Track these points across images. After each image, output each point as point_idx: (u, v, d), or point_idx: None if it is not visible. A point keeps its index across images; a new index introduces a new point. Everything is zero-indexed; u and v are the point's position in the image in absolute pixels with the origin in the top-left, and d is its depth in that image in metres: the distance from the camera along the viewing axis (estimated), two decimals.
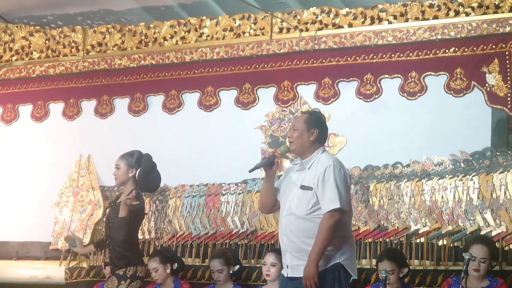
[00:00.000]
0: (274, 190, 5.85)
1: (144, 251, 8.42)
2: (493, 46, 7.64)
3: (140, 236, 8.42)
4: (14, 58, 10.06)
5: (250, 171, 5.69)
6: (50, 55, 9.82)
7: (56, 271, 8.67)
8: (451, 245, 7.26)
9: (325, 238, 5.40)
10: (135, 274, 6.63)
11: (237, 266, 7.34)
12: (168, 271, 7.40)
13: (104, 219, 6.78)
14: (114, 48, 9.45)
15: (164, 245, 8.34)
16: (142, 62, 9.22)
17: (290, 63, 8.45)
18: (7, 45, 10.12)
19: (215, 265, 7.25)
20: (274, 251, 7.07)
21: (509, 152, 7.35)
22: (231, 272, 7.27)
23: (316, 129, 5.70)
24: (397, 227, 7.45)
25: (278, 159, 5.78)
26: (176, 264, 7.49)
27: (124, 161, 6.84)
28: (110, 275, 6.75)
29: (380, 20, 8.16)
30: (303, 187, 5.56)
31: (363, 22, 8.22)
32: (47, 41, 9.85)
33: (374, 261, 7.21)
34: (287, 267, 5.60)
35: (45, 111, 9.71)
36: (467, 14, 7.81)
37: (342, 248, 5.52)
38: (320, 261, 5.41)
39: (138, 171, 6.89)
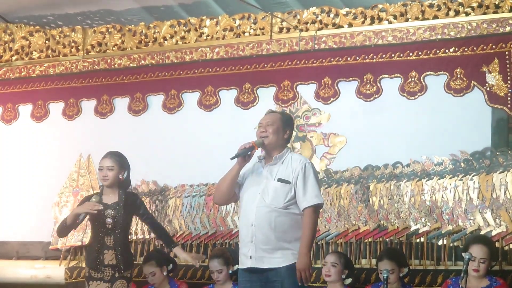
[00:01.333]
0: (236, 181, 5.93)
1: (144, 251, 8.43)
2: (493, 46, 7.63)
3: (140, 236, 8.46)
4: (14, 58, 10.07)
5: (232, 158, 5.74)
6: (50, 55, 9.82)
7: (56, 271, 8.68)
8: (451, 244, 7.26)
9: (313, 231, 5.64)
10: (133, 275, 6.68)
11: (236, 266, 7.31)
12: (165, 273, 7.41)
13: (106, 220, 6.65)
14: (114, 48, 9.45)
15: (158, 246, 8.34)
16: (142, 62, 9.22)
17: (290, 63, 8.45)
18: (7, 45, 10.12)
19: (214, 265, 7.25)
20: (335, 252, 7.11)
21: (509, 152, 7.35)
22: (230, 272, 7.27)
23: (289, 130, 5.96)
24: (397, 226, 7.45)
25: (254, 150, 5.83)
26: (171, 265, 7.51)
27: (116, 162, 6.78)
28: (110, 278, 6.66)
29: (380, 20, 8.15)
30: (280, 180, 5.67)
31: (363, 22, 8.22)
32: (47, 41, 9.85)
33: (374, 261, 7.22)
34: (250, 258, 5.63)
35: (45, 111, 9.71)
36: (467, 14, 7.80)
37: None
38: (292, 254, 5.56)
39: (126, 173, 6.85)
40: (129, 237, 7.01)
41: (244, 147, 5.75)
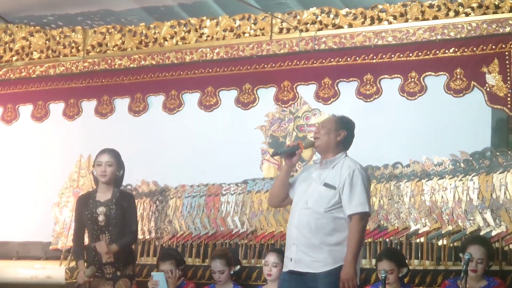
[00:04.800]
0: (288, 183, 5.89)
1: (144, 251, 8.43)
2: (493, 46, 7.64)
3: (140, 236, 8.45)
4: (14, 58, 10.07)
5: (272, 155, 5.77)
6: (51, 56, 9.82)
7: (56, 271, 8.67)
8: (451, 245, 7.25)
9: (360, 239, 5.53)
10: (136, 273, 6.67)
11: (238, 267, 7.35)
12: (181, 272, 7.42)
13: (98, 218, 6.63)
14: (114, 49, 9.46)
15: (164, 245, 8.35)
16: (143, 62, 9.23)
17: (290, 63, 8.45)
18: (7, 45, 10.13)
19: (216, 266, 7.25)
20: (275, 251, 7.09)
21: (509, 152, 7.35)
22: (231, 272, 7.28)
23: (344, 131, 5.81)
24: (397, 227, 7.45)
25: (300, 150, 5.81)
26: (184, 265, 7.52)
27: (115, 159, 6.78)
28: (111, 275, 6.67)
29: (380, 20, 8.16)
30: (326, 185, 5.62)
31: (363, 23, 8.22)
32: (47, 42, 9.86)
33: (373, 261, 7.21)
34: (291, 260, 5.60)
35: (46, 111, 9.72)
36: (467, 15, 7.81)
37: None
38: (332, 260, 5.50)
39: (122, 171, 6.84)
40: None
41: (288, 145, 5.71)
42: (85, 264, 6.83)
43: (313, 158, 5.99)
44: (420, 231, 7.37)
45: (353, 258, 5.43)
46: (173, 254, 7.57)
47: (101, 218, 6.62)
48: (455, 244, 7.21)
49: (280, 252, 6.79)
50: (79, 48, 9.63)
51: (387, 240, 7.50)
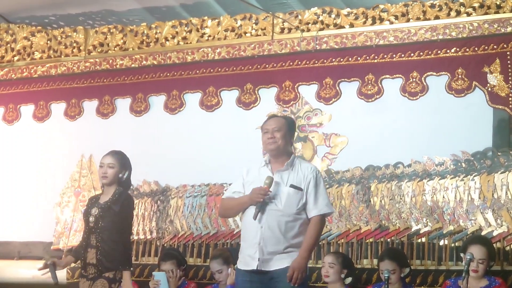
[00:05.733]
0: None
1: (145, 251, 8.43)
2: (495, 46, 7.65)
3: (141, 236, 8.45)
4: (16, 58, 10.09)
5: (255, 218, 5.66)
6: (52, 55, 9.84)
7: (57, 271, 8.66)
8: (452, 245, 7.24)
9: (317, 237, 5.82)
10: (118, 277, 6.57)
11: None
12: (182, 273, 7.40)
13: (89, 219, 6.59)
14: (115, 49, 9.47)
15: (166, 245, 8.35)
16: (144, 62, 9.23)
17: (291, 63, 8.46)
18: (9, 45, 10.15)
19: (214, 266, 7.24)
20: (333, 253, 7.10)
21: (511, 152, 7.35)
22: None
23: (293, 134, 6.06)
24: (399, 227, 7.45)
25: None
26: (185, 265, 7.51)
27: (118, 160, 6.72)
28: (93, 276, 6.59)
29: (382, 20, 8.16)
30: (293, 186, 5.71)
31: (364, 22, 8.23)
32: (48, 41, 9.87)
33: (375, 261, 7.21)
34: (258, 260, 5.63)
35: (47, 111, 9.73)
36: (468, 14, 7.81)
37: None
38: (290, 259, 5.61)
39: (126, 173, 6.78)
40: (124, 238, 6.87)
41: (263, 199, 5.63)
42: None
43: (265, 159, 5.91)
44: (421, 231, 7.37)
45: (308, 253, 5.69)
46: (174, 254, 7.56)
47: (91, 219, 6.53)
48: (456, 244, 7.21)
49: (338, 254, 6.98)
50: (81, 48, 9.65)
51: (389, 240, 7.49)
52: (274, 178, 5.72)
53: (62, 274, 8.52)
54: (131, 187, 7.22)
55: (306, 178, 5.74)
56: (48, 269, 6.75)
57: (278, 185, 5.73)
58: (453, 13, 7.86)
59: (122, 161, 6.70)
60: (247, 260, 5.73)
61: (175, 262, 7.36)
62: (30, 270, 8.84)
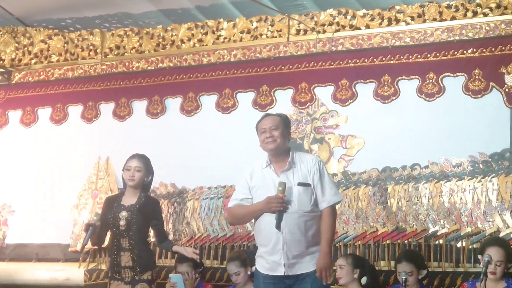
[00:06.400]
0: None
1: (162, 253, 8.45)
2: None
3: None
4: (33, 61, 10.13)
5: (278, 228, 5.62)
6: (69, 58, 9.88)
7: (75, 273, 8.74)
8: (470, 247, 7.23)
9: (333, 228, 5.77)
10: (155, 277, 6.69)
11: (254, 267, 7.30)
12: (197, 275, 7.41)
13: (119, 223, 6.66)
14: (132, 51, 9.49)
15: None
16: (160, 64, 9.25)
17: (307, 65, 8.45)
18: (26, 48, 10.19)
19: (231, 268, 7.24)
20: (344, 255, 7.13)
21: None
22: (249, 273, 7.24)
23: (289, 131, 5.98)
24: (416, 228, 7.43)
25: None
26: (202, 268, 7.51)
27: (144, 164, 6.80)
28: (130, 280, 6.67)
29: (398, 21, 8.14)
30: (301, 184, 5.65)
31: (380, 24, 8.20)
32: (65, 44, 9.91)
33: (392, 263, 7.20)
34: (284, 266, 5.59)
35: (64, 114, 9.76)
36: (485, 15, 7.78)
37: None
38: (314, 261, 5.59)
39: (150, 177, 6.87)
40: (148, 239, 7.00)
41: (278, 209, 5.57)
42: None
43: (266, 161, 5.86)
44: (439, 233, 7.35)
45: (330, 248, 5.63)
46: (186, 257, 7.59)
47: (122, 222, 6.65)
48: (474, 246, 7.20)
49: (348, 255, 7.03)
50: (97, 50, 9.68)
51: (406, 242, 7.48)
52: (280, 179, 5.67)
53: (79, 276, 8.60)
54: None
55: (311, 171, 5.69)
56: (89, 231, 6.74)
57: (287, 186, 5.66)
58: (469, 14, 7.82)
59: (147, 165, 6.83)
60: (273, 266, 5.67)
61: (191, 264, 7.37)
62: (48, 272, 8.94)
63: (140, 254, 6.60)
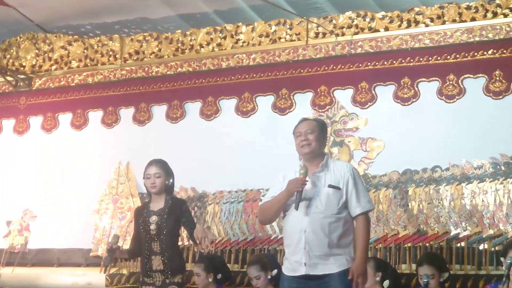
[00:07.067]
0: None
1: (195, 257, 8.44)
2: None
3: (179, 242, 8.47)
4: (53, 67, 10.19)
5: (297, 209, 5.63)
6: (89, 64, 9.92)
7: (96, 277, 8.75)
8: (492, 249, 7.17)
9: (369, 235, 5.76)
10: (185, 281, 6.72)
11: (275, 271, 7.27)
12: (210, 280, 7.36)
13: (150, 227, 6.71)
14: (151, 56, 9.52)
15: (203, 251, 8.34)
16: (179, 69, 9.27)
17: (326, 67, 8.44)
18: (46, 54, 10.26)
19: (251, 272, 7.22)
20: (370, 258, 7.07)
21: None
22: (269, 277, 7.23)
23: (326, 136, 6.00)
24: (437, 231, 7.39)
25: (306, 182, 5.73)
26: (220, 275, 7.46)
27: (163, 169, 6.85)
28: (160, 284, 6.69)
29: (417, 23, 8.11)
30: (331, 186, 5.66)
31: (399, 26, 8.18)
32: (85, 50, 9.96)
33: (413, 266, 7.16)
34: (305, 265, 5.58)
35: (84, 119, 9.81)
36: (505, 16, 7.73)
37: (352, 253, 5.69)
38: (346, 260, 5.58)
39: (171, 179, 6.90)
40: (178, 242, 7.00)
41: (298, 190, 5.60)
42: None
43: (299, 164, 5.85)
44: (460, 236, 7.31)
45: (365, 254, 5.62)
46: (204, 259, 7.58)
47: (152, 227, 6.69)
48: (496, 248, 7.14)
49: (369, 258, 6.86)
50: (117, 56, 9.72)
51: (427, 244, 7.44)
52: (310, 180, 5.69)
53: (100, 281, 8.62)
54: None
55: (344, 177, 5.70)
56: (107, 252, 6.83)
57: (316, 187, 5.69)
58: (489, 15, 7.78)
59: (166, 168, 6.87)
60: (295, 266, 5.67)
61: (202, 266, 7.37)
62: (70, 276, 8.97)
63: (171, 257, 6.64)
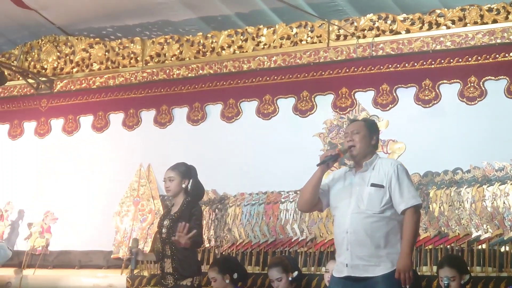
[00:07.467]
0: (319, 188, 5.90)
1: (204, 259, 8.46)
2: None
3: (206, 245, 8.48)
4: (75, 70, 10.25)
5: (318, 165, 5.69)
6: (110, 67, 9.97)
7: (118, 279, 8.78)
8: None
9: (415, 232, 5.61)
10: (200, 283, 6.71)
11: (296, 273, 7.27)
12: (227, 281, 7.37)
13: (162, 230, 6.78)
14: (172, 59, 9.55)
15: (224, 253, 8.36)
16: (200, 71, 9.30)
17: (347, 70, 8.44)
18: (68, 57, 10.31)
19: (273, 274, 7.22)
20: None
21: None
22: (290, 279, 7.23)
23: (376, 135, 5.91)
24: (458, 233, 7.36)
25: (339, 158, 5.83)
26: (236, 274, 7.47)
27: (177, 172, 6.87)
28: (171, 286, 6.74)
29: (438, 25, 8.10)
30: (374, 185, 5.62)
31: (420, 28, 8.17)
32: (106, 53, 10.01)
33: (435, 268, 7.14)
34: (346, 266, 5.57)
35: (106, 122, 9.85)
36: None
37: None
38: (390, 262, 5.49)
39: (190, 182, 6.91)
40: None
41: (329, 154, 5.72)
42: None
43: (349, 164, 5.91)
44: (481, 238, 7.27)
45: (410, 250, 5.49)
46: (217, 261, 7.60)
47: (164, 230, 6.75)
48: None
49: None
50: (138, 58, 9.75)
51: (448, 246, 7.41)
52: (356, 179, 5.71)
53: (121, 282, 8.65)
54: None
55: (387, 174, 5.64)
56: (131, 256, 6.92)
57: (360, 186, 5.68)
58: (511, 17, 7.76)
59: (181, 171, 6.88)
60: (340, 267, 5.67)
61: (216, 269, 7.38)
62: (91, 278, 9.00)
63: (180, 260, 6.65)
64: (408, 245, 5.48)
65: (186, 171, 6.92)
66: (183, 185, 6.84)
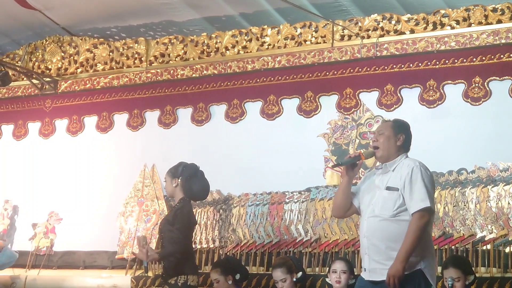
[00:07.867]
0: (350, 193, 5.81)
1: (208, 260, 8.46)
2: None
3: (204, 245, 8.50)
4: (79, 70, 10.25)
5: (333, 167, 5.70)
6: (114, 67, 9.97)
7: (122, 280, 8.78)
8: None
9: (416, 238, 5.31)
10: (186, 283, 6.65)
11: (300, 273, 7.27)
12: (230, 282, 7.38)
13: (159, 232, 6.86)
14: (176, 59, 9.55)
15: (228, 253, 8.37)
16: (205, 72, 9.30)
17: (352, 70, 8.43)
18: (72, 57, 10.32)
19: (277, 275, 7.20)
20: (343, 259, 7.07)
21: None
22: (294, 279, 7.23)
23: (402, 135, 5.70)
24: (463, 234, 7.35)
25: (361, 161, 5.77)
26: (238, 275, 7.47)
27: (169, 173, 6.93)
28: (163, 285, 6.82)
29: (443, 25, 8.09)
30: (388, 188, 5.50)
31: (425, 28, 8.16)
32: (111, 53, 10.01)
33: (439, 269, 7.12)
34: (365, 270, 5.54)
35: (110, 122, 9.86)
36: None
37: (424, 255, 5.41)
38: (407, 266, 5.33)
39: (180, 180, 6.90)
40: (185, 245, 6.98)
41: (349, 156, 5.67)
42: None
43: (376, 164, 5.86)
44: (486, 238, 7.26)
45: (405, 256, 5.26)
46: (219, 263, 7.60)
47: (158, 231, 6.81)
48: None
49: (347, 261, 6.97)
50: (142, 59, 9.76)
51: (453, 247, 7.40)
52: (375, 182, 5.61)
53: (126, 283, 8.66)
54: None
55: (403, 176, 5.46)
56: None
57: (379, 189, 5.58)
58: None
59: (171, 171, 6.96)
60: (363, 271, 5.61)
61: (218, 271, 7.38)
62: (95, 279, 9.01)
63: (167, 260, 6.68)
64: (404, 251, 5.27)
65: (175, 171, 6.93)
66: (174, 185, 6.86)
